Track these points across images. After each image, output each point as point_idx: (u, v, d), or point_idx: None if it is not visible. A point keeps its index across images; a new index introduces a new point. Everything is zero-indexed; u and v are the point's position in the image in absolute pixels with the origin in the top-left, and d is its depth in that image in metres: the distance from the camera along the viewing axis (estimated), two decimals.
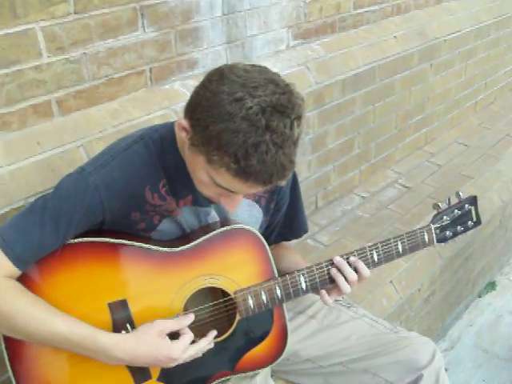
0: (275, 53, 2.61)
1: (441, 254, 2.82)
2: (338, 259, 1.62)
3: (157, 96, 2.12)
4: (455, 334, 3.25)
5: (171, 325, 1.42)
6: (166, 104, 2.12)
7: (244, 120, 1.21)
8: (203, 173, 1.35)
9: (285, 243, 1.93)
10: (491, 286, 3.65)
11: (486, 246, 3.40)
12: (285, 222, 1.84)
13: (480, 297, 3.56)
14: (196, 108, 1.30)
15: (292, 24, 2.65)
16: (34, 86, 1.79)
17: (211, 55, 2.31)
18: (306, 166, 2.83)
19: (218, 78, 1.28)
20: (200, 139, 1.29)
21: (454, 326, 3.31)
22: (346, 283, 1.61)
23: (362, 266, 1.63)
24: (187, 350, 1.43)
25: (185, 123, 1.33)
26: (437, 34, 3.50)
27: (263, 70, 1.30)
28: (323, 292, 1.63)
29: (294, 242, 1.97)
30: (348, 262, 1.63)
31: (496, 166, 3.56)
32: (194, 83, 2.14)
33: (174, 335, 1.42)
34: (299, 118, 1.27)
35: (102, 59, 1.94)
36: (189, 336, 1.44)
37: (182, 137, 1.36)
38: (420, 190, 3.26)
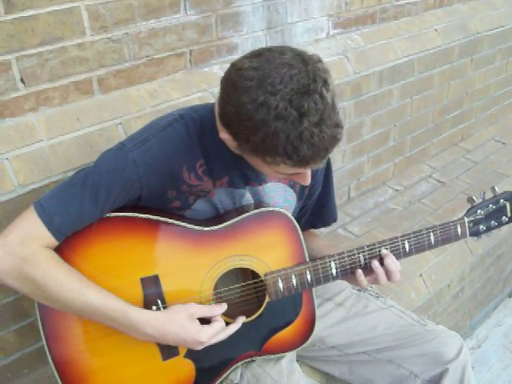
0: (315, 41, 2.60)
1: (472, 251, 2.79)
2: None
3: (195, 78, 2.14)
4: (483, 333, 3.22)
5: (203, 310, 1.44)
6: (205, 87, 2.13)
7: (277, 120, 1.21)
8: (265, 168, 1.38)
9: (313, 230, 1.94)
10: None
11: None
12: (315, 208, 1.85)
13: (510, 297, 3.52)
14: (230, 124, 1.31)
15: (333, 13, 2.63)
16: (76, 63, 1.82)
17: (251, 40, 2.32)
18: (340, 156, 2.82)
19: (232, 89, 1.27)
20: (247, 148, 1.32)
21: (482, 324, 3.29)
22: (384, 277, 1.62)
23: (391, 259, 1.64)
24: (216, 335, 1.45)
25: (227, 136, 1.35)
26: (479, 28, 3.44)
27: (270, 58, 1.25)
28: (360, 271, 1.62)
29: (325, 231, 1.98)
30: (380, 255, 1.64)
31: None
32: None
33: (205, 320, 1.44)
34: (325, 82, 1.24)
35: (143, 39, 1.96)
36: (220, 323, 1.45)
37: (230, 143, 1.38)
38: (454, 186, 3.23)
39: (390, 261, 1.62)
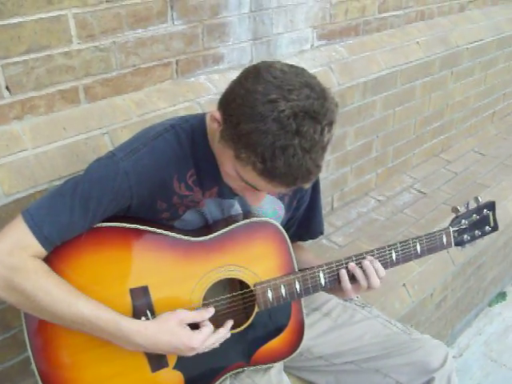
0: (299, 52, 2.62)
1: (454, 260, 2.82)
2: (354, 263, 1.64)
3: (182, 88, 2.14)
4: (464, 342, 3.25)
5: (193, 316, 1.43)
6: (191, 96, 2.13)
7: (275, 122, 1.21)
8: (230, 166, 1.36)
9: (300, 243, 1.94)
10: (502, 296, 3.65)
11: (499, 255, 3.40)
12: (302, 221, 1.85)
13: (490, 306, 3.56)
14: (230, 103, 1.31)
15: (317, 24, 2.66)
16: (62, 72, 1.81)
17: (237, 51, 2.32)
18: (324, 167, 2.80)
19: (254, 75, 1.28)
20: (230, 134, 1.31)
21: (463, 333, 3.31)
22: (363, 277, 1.62)
23: (378, 265, 1.64)
24: (207, 340, 1.44)
25: (218, 115, 1.34)
26: (459, 41, 3.50)
27: (300, 73, 1.29)
28: (345, 276, 1.62)
29: (309, 241, 1.98)
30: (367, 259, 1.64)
31: None
32: (218, 77, 2.22)
33: (193, 326, 1.43)
34: (331, 123, 1.27)
35: (130, 49, 1.95)
36: (209, 328, 1.45)
37: (214, 128, 1.37)
38: (435, 197, 3.26)
39: (369, 262, 1.63)
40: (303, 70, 1.32)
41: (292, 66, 1.32)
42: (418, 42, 3.21)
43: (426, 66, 3.23)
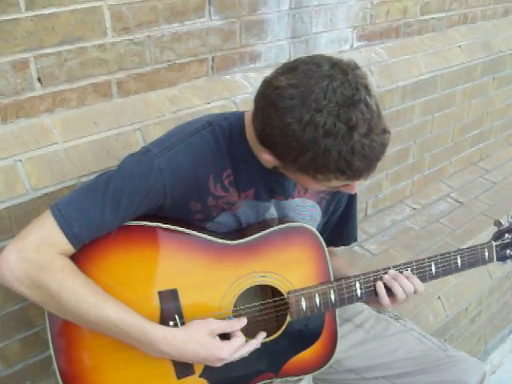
0: (338, 52, 2.54)
1: (491, 274, 2.72)
2: (392, 272, 1.56)
3: (217, 86, 2.08)
4: (497, 359, 3.14)
5: (224, 326, 1.37)
6: (226, 94, 2.07)
7: (326, 137, 1.16)
8: (313, 184, 1.33)
9: (332, 249, 1.86)
10: None
11: None
12: (336, 227, 1.78)
13: None
14: (274, 146, 1.26)
15: (357, 25, 2.58)
16: (95, 65, 1.76)
17: (275, 49, 2.26)
18: None
19: (273, 110, 1.21)
20: (294, 168, 1.27)
21: (497, 350, 3.20)
22: (402, 292, 1.54)
23: (416, 281, 1.57)
24: (236, 352, 1.37)
25: (269, 158, 1.30)
26: (502, 47, 3.38)
27: (307, 72, 1.20)
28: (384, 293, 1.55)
29: (341, 248, 1.90)
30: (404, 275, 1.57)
31: None
32: (255, 76, 2.15)
33: (223, 335, 1.37)
34: (367, 88, 1.20)
35: (165, 43, 1.90)
36: (241, 339, 1.38)
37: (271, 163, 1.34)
38: (473, 206, 3.16)
39: (416, 282, 1.56)
40: (304, 62, 1.23)
41: (289, 69, 1.23)
42: (460, 46, 3.11)
43: (467, 71, 3.13)
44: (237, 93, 2.08)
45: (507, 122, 3.79)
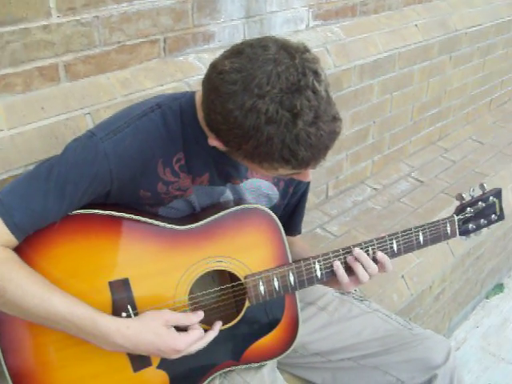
0: (294, 32, 2.49)
1: (454, 251, 2.72)
2: (357, 251, 1.52)
3: (170, 67, 2.01)
4: (461, 335, 3.17)
5: (179, 318, 1.33)
6: (180, 76, 2.00)
7: (269, 125, 1.12)
8: (264, 172, 1.30)
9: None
10: (499, 288, 3.57)
11: (497, 246, 3.31)
12: (284, 215, 1.73)
13: (487, 298, 3.48)
14: (218, 132, 1.22)
15: (313, 3, 2.53)
16: (41, 47, 1.68)
17: (228, 29, 2.20)
18: None
19: (215, 95, 1.17)
20: (240, 155, 1.24)
21: (461, 326, 3.23)
22: (365, 272, 1.52)
23: (385, 258, 1.56)
24: (193, 343, 1.33)
25: (217, 143, 1.26)
26: (458, 26, 3.38)
27: (252, 56, 1.14)
28: (341, 268, 1.52)
29: (303, 230, 1.86)
30: (367, 253, 1.53)
31: (511, 165, 3.45)
32: (208, 57, 2.09)
33: (180, 329, 1.33)
34: (316, 73, 1.15)
35: (114, 24, 1.83)
36: (199, 331, 1.34)
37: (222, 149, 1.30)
38: (433, 185, 3.16)
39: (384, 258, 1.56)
40: (250, 45, 1.17)
41: (235, 52, 1.18)
42: (416, 25, 3.09)
43: (424, 49, 3.11)
44: (190, 74, 2.02)
45: (465, 100, 3.80)
